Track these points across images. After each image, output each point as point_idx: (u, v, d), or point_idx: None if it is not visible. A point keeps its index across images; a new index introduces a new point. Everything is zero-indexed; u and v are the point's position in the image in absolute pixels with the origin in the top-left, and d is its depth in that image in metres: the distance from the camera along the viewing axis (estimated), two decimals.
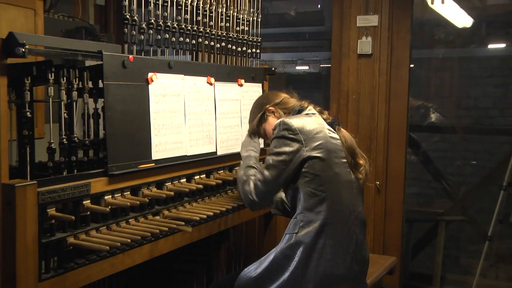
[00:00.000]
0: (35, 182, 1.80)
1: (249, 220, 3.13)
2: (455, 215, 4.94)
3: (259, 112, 2.54)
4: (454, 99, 6.04)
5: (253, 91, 3.07)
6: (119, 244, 1.97)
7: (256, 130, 2.57)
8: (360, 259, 2.30)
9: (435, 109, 5.20)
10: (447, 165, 5.79)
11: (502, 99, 5.85)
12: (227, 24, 2.91)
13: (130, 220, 2.20)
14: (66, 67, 2.04)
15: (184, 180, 2.52)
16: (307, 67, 6.98)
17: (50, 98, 2.01)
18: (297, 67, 6.96)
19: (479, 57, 6.07)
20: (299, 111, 2.44)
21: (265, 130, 2.54)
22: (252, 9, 3.08)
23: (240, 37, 3.01)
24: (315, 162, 2.22)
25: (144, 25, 2.37)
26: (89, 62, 2.14)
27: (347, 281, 2.26)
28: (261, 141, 3.07)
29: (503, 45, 5.96)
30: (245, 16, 3.04)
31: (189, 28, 2.62)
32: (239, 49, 3.01)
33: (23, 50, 1.77)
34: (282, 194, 2.59)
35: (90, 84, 2.14)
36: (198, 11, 2.69)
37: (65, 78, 2.03)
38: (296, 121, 2.27)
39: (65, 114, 2.05)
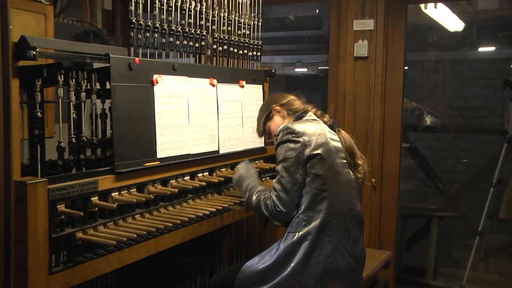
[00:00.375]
0: (46, 179, 1.80)
1: (250, 215, 3.13)
2: (447, 211, 4.94)
3: (266, 111, 2.56)
4: (447, 100, 6.04)
5: (254, 92, 3.07)
6: (125, 239, 1.97)
7: (262, 127, 2.59)
8: (357, 256, 2.31)
9: (429, 112, 5.20)
10: (439, 163, 5.79)
11: (492, 100, 5.85)
12: (229, 28, 2.91)
13: (136, 216, 2.19)
14: (75, 69, 2.04)
15: (188, 177, 2.52)
16: (305, 69, 6.98)
17: (60, 99, 2.00)
18: (296, 69, 6.97)
19: (470, 60, 6.08)
20: (300, 117, 2.46)
21: (269, 128, 2.56)
22: (253, 14, 3.08)
23: (242, 40, 3.01)
24: (316, 162, 2.23)
25: (149, 29, 2.37)
26: (97, 65, 2.14)
27: (345, 276, 2.28)
28: (261, 140, 3.07)
29: (492, 48, 5.96)
30: (246, 20, 3.04)
31: (192, 31, 2.62)
32: (241, 52, 3.01)
33: (34, 53, 1.77)
34: None
35: (98, 86, 2.13)
36: (201, 16, 2.69)
37: (74, 79, 2.03)
38: (298, 125, 2.30)
39: (74, 114, 2.05)
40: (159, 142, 2.33)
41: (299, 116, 2.47)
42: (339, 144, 2.33)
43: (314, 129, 2.30)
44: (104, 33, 3.80)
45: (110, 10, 4.15)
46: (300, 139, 2.25)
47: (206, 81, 2.67)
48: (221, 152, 2.75)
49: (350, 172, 2.32)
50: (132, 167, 2.17)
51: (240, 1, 2.97)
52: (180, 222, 2.26)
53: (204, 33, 2.70)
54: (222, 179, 2.67)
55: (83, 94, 2.06)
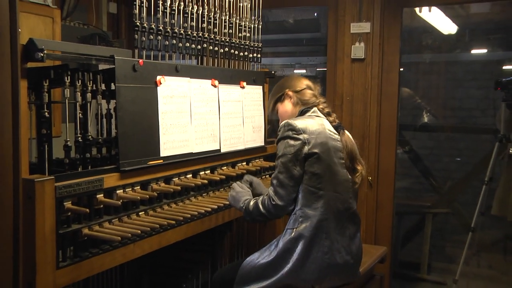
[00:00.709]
0: (53, 177, 1.80)
1: None
2: (441, 208, 4.94)
3: (279, 92, 2.52)
4: (441, 101, 6.04)
5: (254, 92, 3.07)
6: (130, 235, 1.97)
7: (271, 106, 2.56)
8: (354, 253, 2.30)
9: (429, 110, 5.20)
10: (434, 161, 5.79)
11: (484, 100, 5.85)
12: (230, 31, 2.91)
13: (140, 212, 2.19)
14: (81, 71, 2.04)
15: (190, 175, 2.52)
16: (304, 71, 6.97)
17: (66, 100, 2.00)
18: (295, 71, 6.95)
19: (463, 62, 6.07)
20: (304, 112, 2.42)
21: (278, 110, 2.53)
22: (253, 17, 3.07)
23: (242, 42, 3.00)
24: (314, 160, 2.21)
25: (153, 32, 2.37)
26: (102, 66, 2.14)
27: (342, 272, 2.28)
28: (261, 139, 3.07)
29: (484, 51, 5.96)
30: (247, 23, 3.03)
31: (194, 34, 2.62)
32: (241, 54, 3.01)
33: (42, 55, 1.77)
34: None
35: (103, 87, 2.13)
36: (203, 19, 2.68)
37: (80, 80, 2.03)
38: (299, 122, 2.26)
39: (80, 114, 2.05)
40: (162, 141, 2.32)
41: (304, 111, 2.43)
42: (339, 144, 2.29)
43: (315, 127, 2.27)
44: (109, 35, 3.80)
45: (115, 13, 4.15)
46: (300, 137, 2.22)
47: (208, 82, 2.66)
48: (222, 151, 2.75)
49: (347, 172, 2.30)
50: (136, 166, 2.17)
51: (241, 5, 2.96)
52: (183, 218, 2.25)
53: (206, 35, 2.70)
54: (224, 177, 2.67)
55: (89, 95, 2.06)
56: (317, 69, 6.68)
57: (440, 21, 4.79)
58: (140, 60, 2.22)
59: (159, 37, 2.41)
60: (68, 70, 1.98)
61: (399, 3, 3.62)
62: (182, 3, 2.52)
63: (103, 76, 2.13)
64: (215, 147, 2.70)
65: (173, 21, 2.48)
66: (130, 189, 2.16)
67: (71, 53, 1.97)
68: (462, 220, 4.89)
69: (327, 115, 2.40)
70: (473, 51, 5.99)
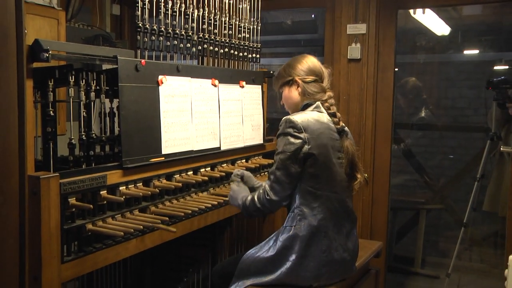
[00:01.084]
0: (58, 174, 1.80)
1: None
2: (434, 204, 4.94)
3: (288, 76, 2.37)
4: (434, 100, 6.03)
5: (253, 92, 3.06)
6: (132, 230, 1.97)
7: (278, 86, 2.43)
8: (351, 249, 2.30)
9: (428, 107, 5.19)
10: (428, 159, 5.79)
11: (476, 99, 5.84)
12: (230, 32, 2.90)
13: (142, 208, 2.19)
14: (85, 71, 2.04)
15: (191, 172, 2.52)
16: None
17: (71, 99, 2.01)
18: None
19: (456, 62, 6.07)
20: (307, 106, 2.32)
21: (282, 93, 2.41)
22: (252, 19, 3.07)
23: (242, 43, 3.00)
24: (313, 161, 2.17)
25: (155, 33, 2.37)
26: (105, 66, 2.14)
27: (339, 268, 2.27)
28: (260, 137, 3.07)
29: (476, 52, 5.96)
30: (246, 24, 3.03)
31: (195, 35, 2.61)
32: (241, 54, 3.00)
33: (47, 55, 1.77)
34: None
35: (106, 86, 2.13)
36: (204, 20, 2.68)
37: (84, 80, 2.03)
38: (301, 120, 2.19)
39: (84, 113, 2.05)
40: (164, 139, 2.32)
41: (307, 105, 2.32)
42: (339, 144, 2.25)
43: (316, 126, 2.20)
44: (113, 36, 3.80)
45: (118, 15, 4.14)
46: (301, 135, 2.16)
47: (208, 81, 2.66)
48: (222, 148, 2.75)
49: (346, 177, 2.26)
50: (139, 163, 2.17)
51: (240, 7, 2.96)
52: (184, 214, 2.26)
53: (206, 36, 2.69)
54: (223, 174, 2.67)
55: (92, 94, 2.06)
56: None
57: (434, 23, 4.79)
58: (143, 60, 2.22)
59: (161, 38, 2.41)
60: (73, 70, 1.98)
61: (394, 5, 3.62)
62: (183, 5, 2.52)
63: (107, 76, 2.13)
64: (215, 145, 2.69)
65: (175, 23, 2.48)
66: (133, 185, 2.15)
67: (75, 53, 1.97)
68: (454, 216, 4.90)
69: (332, 115, 2.29)
70: (466, 52, 5.98)
